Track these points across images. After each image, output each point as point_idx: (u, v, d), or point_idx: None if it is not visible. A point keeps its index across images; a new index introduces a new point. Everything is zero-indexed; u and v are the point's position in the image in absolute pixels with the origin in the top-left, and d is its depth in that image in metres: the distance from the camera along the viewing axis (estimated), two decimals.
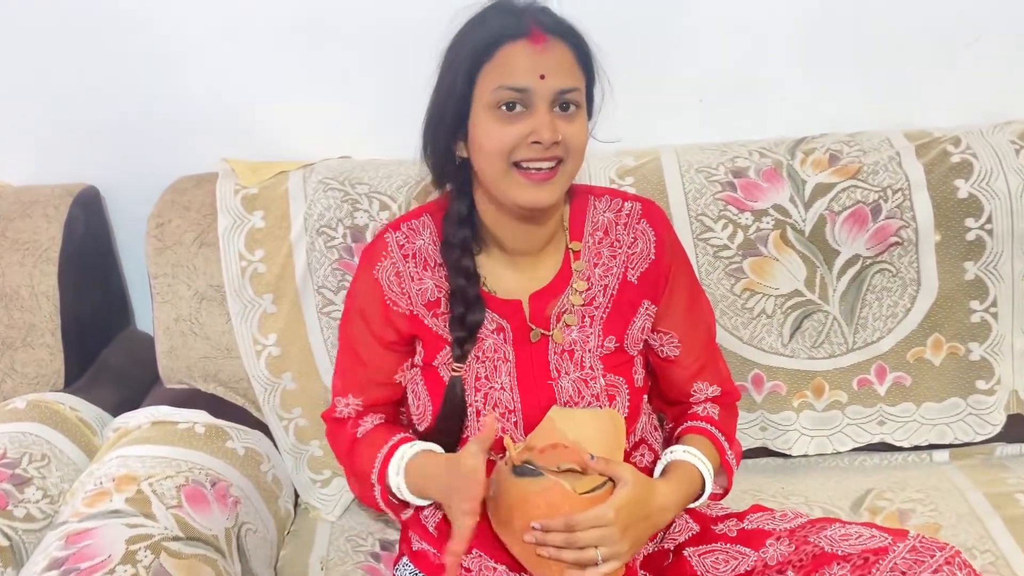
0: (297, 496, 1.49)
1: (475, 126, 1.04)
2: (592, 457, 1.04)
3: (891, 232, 1.43)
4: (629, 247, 1.17)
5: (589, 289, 1.16)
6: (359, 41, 1.52)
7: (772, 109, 1.57)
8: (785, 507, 1.37)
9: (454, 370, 1.13)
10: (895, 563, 1.02)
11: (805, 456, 1.50)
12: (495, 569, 1.13)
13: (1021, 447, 1.51)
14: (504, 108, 1.02)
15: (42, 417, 1.40)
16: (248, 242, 1.43)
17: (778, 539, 1.11)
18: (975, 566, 1.06)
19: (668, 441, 1.26)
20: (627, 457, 1.15)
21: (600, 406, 1.13)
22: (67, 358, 1.51)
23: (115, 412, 1.47)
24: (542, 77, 1.01)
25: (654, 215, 1.19)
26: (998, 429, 1.48)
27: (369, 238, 1.40)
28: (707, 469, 1.14)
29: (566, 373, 1.14)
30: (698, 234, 1.43)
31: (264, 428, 1.46)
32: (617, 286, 1.16)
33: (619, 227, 1.18)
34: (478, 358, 1.14)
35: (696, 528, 1.20)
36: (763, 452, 1.51)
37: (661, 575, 1.18)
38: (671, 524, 1.19)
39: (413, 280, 1.15)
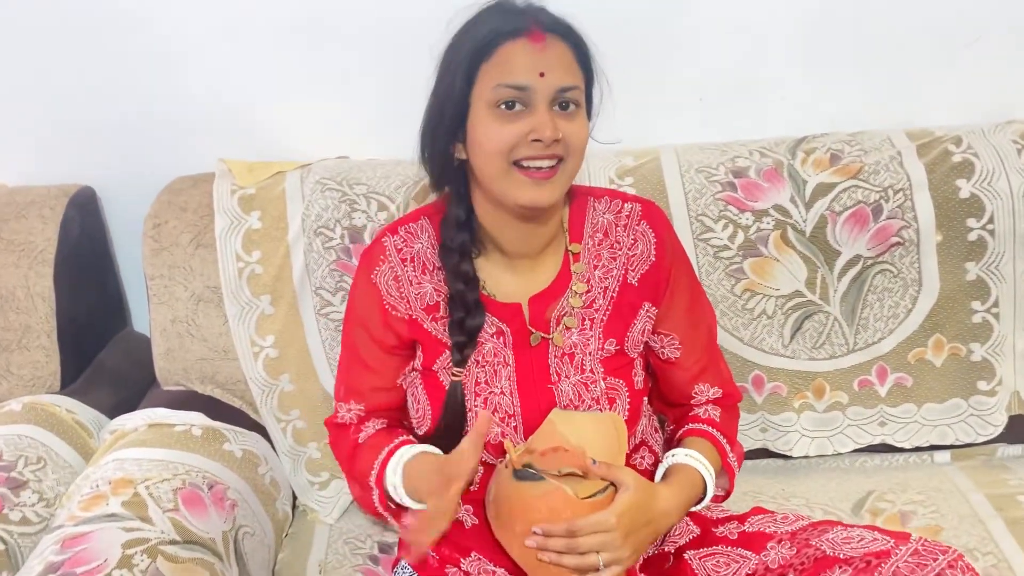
0: (295, 498, 1.49)
1: (474, 126, 1.04)
2: (594, 462, 1.03)
3: (892, 232, 1.42)
4: (629, 249, 1.16)
5: (589, 291, 1.15)
6: (359, 41, 1.51)
7: (772, 109, 1.56)
8: (786, 509, 1.37)
9: (454, 375, 1.12)
10: (897, 567, 1.01)
11: (806, 457, 1.49)
12: (494, 573, 1.13)
13: (1023, 448, 1.51)
14: (504, 107, 1.02)
15: (38, 419, 1.39)
16: (245, 243, 1.42)
17: (779, 542, 1.10)
18: (977, 568, 1.04)
19: (669, 443, 1.25)
20: (628, 460, 1.14)
21: (601, 409, 1.12)
22: (63, 360, 1.51)
23: (111, 414, 1.47)
24: (542, 75, 1.01)
25: (654, 216, 1.18)
26: (999, 430, 1.47)
27: (367, 239, 1.40)
28: (709, 473, 1.14)
29: (566, 377, 1.13)
30: (698, 234, 1.43)
31: (262, 430, 1.45)
32: (617, 288, 1.16)
33: (619, 228, 1.17)
34: (478, 362, 1.13)
35: (697, 531, 1.19)
36: (764, 453, 1.51)
37: None
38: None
39: (412, 284, 1.14)
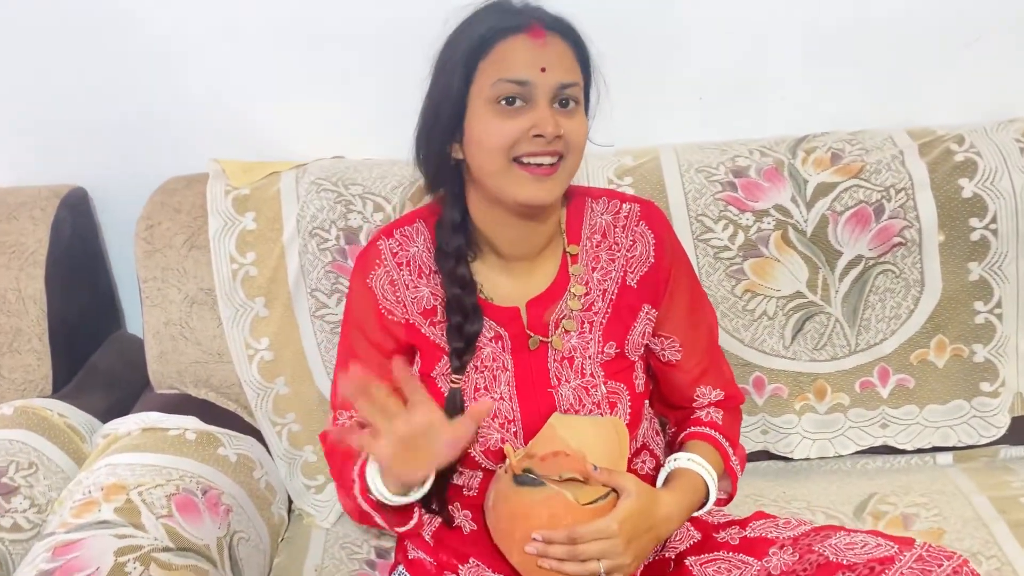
0: (291, 502, 1.47)
1: (473, 123, 1.02)
2: (595, 468, 1.02)
3: (894, 232, 1.41)
4: (628, 250, 1.15)
5: (588, 294, 1.13)
6: (358, 41, 1.50)
7: (772, 109, 1.55)
8: (787, 512, 1.36)
9: (453, 382, 1.10)
10: (902, 573, 1.00)
11: (807, 460, 1.48)
12: None
13: None
14: (503, 102, 1.00)
15: (29, 424, 1.38)
16: (239, 244, 1.41)
17: (781, 548, 1.09)
18: (981, 573, 1.04)
19: (670, 446, 1.24)
20: (629, 464, 1.13)
21: (602, 413, 1.11)
22: (55, 363, 1.49)
23: (104, 418, 1.45)
24: (543, 70, 1.00)
25: (653, 217, 1.17)
26: (1002, 432, 1.46)
27: (363, 240, 1.38)
28: (711, 477, 1.12)
29: (566, 381, 1.11)
30: (698, 235, 1.41)
31: (257, 434, 1.44)
32: (616, 290, 1.14)
33: (617, 229, 1.15)
34: (476, 368, 1.11)
35: (698, 536, 1.18)
36: (764, 455, 1.49)
37: None
38: None
39: (408, 288, 1.13)
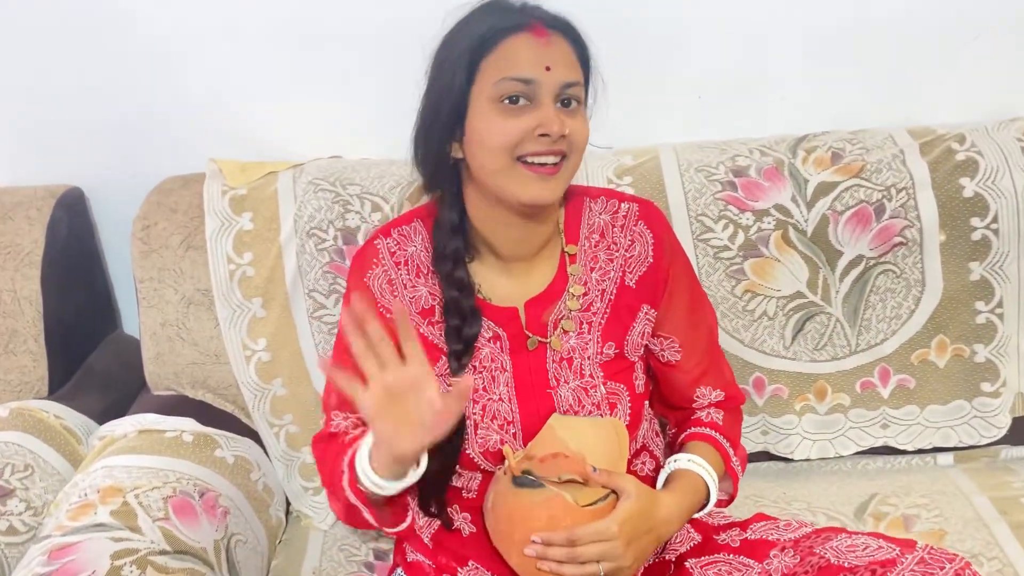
0: (289, 504, 1.46)
1: (475, 122, 1.01)
2: (595, 470, 1.01)
3: (895, 232, 1.40)
4: (626, 250, 1.14)
5: (586, 294, 1.12)
6: (357, 41, 1.49)
7: (772, 108, 1.55)
8: (787, 513, 1.36)
9: (451, 383, 1.09)
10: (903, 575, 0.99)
11: (807, 460, 1.48)
12: None
13: None
14: (507, 101, 1.00)
15: (25, 426, 1.37)
16: (236, 244, 1.40)
17: (782, 550, 1.08)
18: (982, 574, 1.03)
19: (671, 447, 1.23)
20: (629, 465, 1.12)
21: (601, 414, 1.10)
22: (51, 364, 1.49)
23: (101, 419, 1.44)
24: (548, 69, 0.99)
25: (652, 216, 1.16)
26: (1003, 432, 1.46)
27: (361, 240, 1.37)
28: (712, 479, 1.12)
29: (565, 382, 1.11)
30: (698, 235, 1.40)
31: (254, 435, 1.43)
32: (615, 291, 1.13)
33: (616, 229, 1.15)
34: (475, 368, 1.10)
35: (698, 538, 1.17)
36: (764, 456, 1.49)
37: None
38: None
39: (406, 288, 1.12)
